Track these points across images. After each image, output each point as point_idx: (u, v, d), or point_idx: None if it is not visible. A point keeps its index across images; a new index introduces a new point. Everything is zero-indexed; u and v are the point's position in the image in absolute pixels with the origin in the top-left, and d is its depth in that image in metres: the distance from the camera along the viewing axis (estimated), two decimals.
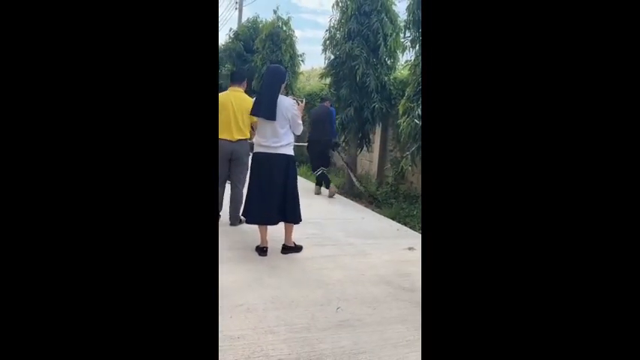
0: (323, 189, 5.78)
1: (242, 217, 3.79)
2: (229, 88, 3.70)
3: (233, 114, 3.55)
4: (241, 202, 3.72)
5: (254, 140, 3.08)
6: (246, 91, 3.81)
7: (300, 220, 3.14)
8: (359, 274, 2.87)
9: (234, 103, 3.56)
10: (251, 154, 3.24)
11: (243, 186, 3.69)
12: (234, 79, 3.73)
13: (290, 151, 3.03)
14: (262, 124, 2.98)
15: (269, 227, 3.14)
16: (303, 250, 3.25)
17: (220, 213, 3.82)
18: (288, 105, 2.96)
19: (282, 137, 2.96)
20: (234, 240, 3.41)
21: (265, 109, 2.90)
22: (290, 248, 3.17)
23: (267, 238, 3.12)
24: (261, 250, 3.10)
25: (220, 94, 3.66)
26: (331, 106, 5.79)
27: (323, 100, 5.89)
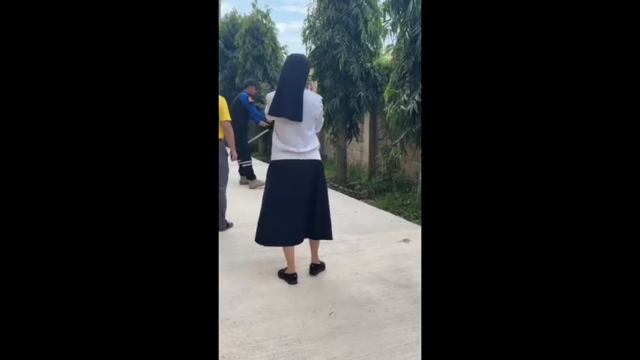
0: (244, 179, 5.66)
1: (228, 221, 3.67)
2: None
3: None
4: (225, 204, 3.60)
5: (274, 146, 2.51)
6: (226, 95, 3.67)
7: (330, 237, 2.63)
8: (353, 274, 2.74)
9: None
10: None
11: (224, 188, 3.56)
12: None
13: (319, 156, 2.51)
14: (284, 125, 2.40)
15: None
16: (297, 250, 3.11)
17: None
18: (315, 101, 2.42)
19: (309, 140, 2.42)
20: (221, 247, 3.26)
21: (290, 109, 2.32)
22: (318, 267, 2.70)
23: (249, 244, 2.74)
24: (291, 278, 2.54)
25: None
26: (256, 88, 5.62)
27: (245, 86, 5.66)
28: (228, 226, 3.67)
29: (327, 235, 2.63)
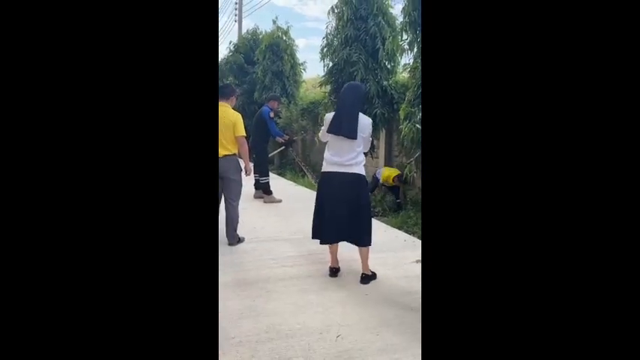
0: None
1: (240, 236, 3.66)
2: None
3: None
4: (237, 219, 3.60)
5: (325, 159, 2.89)
6: (235, 107, 3.69)
7: (370, 243, 2.93)
8: (362, 295, 2.69)
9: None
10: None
11: (237, 203, 3.56)
12: (221, 95, 3.58)
13: (363, 171, 2.90)
14: (337, 142, 2.82)
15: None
16: (304, 270, 3.09)
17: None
18: (367, 123, 2.87)
19: (357, 156, 2.83)
20: (231, 262, 3.26)
21: (347, 128, 2.76)
22: (369, 277, 2.92)
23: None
24: (330, 270, 3.00)
25: None
26: (278, 104, 5.69)
27: (267, 100, 5.67)
28: (240, 240, 3.66)
29: (364, 242, 2.92)
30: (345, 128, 2.76)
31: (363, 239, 2.89)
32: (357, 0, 5.55)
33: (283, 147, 6.47)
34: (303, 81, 9.84)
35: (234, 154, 3.51)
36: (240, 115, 3.53)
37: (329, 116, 2.90)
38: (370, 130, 2.89)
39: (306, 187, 6.81)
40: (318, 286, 2.81)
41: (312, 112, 8.17)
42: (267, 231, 4.13)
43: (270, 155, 6.64)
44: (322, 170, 2.94)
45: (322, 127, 2.97)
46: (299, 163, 7.15)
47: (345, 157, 2.81)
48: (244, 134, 3.50)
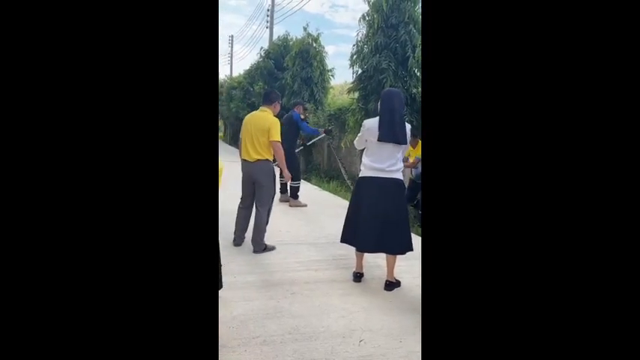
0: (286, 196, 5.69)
1: (268, 245, 3.61)
2: (260, 108, 3.64)
3: (249, 134, 3.47)
4: (264, 227, 3.58)
5: (364, 164, 2.87)
6: (277, 115, 3.68)
7: (404, 252, 2.86)
8: (386, 302, 2.69)
9: (253, 122, 3.50)
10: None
11: (265, 209, 3.55)
12: (265, 100, 3.66)
13: (401, 176, 2.90)
14: (378, 148, 2.79)
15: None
16: (328, 274, 3.11)
17: (245, 236, 3.74)
18: (408, 129, 2.88)
19: (397, 162, 2.84)
20: (257, 263, 3.32)
21: (399, 134, 2.76)
22: (393, 284, 2.90)
23: (294, 261, 2.98)
24: (355, 276, 3.00)
25: (248, 115, 3.64)
26: (305, 109, 5.79)
27: (293, 105, 5.82)
28: (267, 249, 3.55)
29: (405, 249, 2.85)
30: (397, 134, 2.75)
31: (397, 248, 2.83)
32: (388, 8, 5.57)
33: (323, 135, 6.51)
34: (331, 87, 9.92)
35: (268, 160, 3.49)
36: (277, 121, 3.50)
37: (369, 123, 2.85)
38: (409, 137, 2.89)
39: (331, 192, 6.84)
40: (342, 290, 2.83)
41: (339, 119, 8.21)
42: (292, 234, 4.17)
43: (308, 144, 6.73)
44: (361, 175, 2.91)
45: (360, 134, 2.94)
46: (340, 167, 7.15)
47: (386, 162, 2.80)
48: (279, 139, 3.47)
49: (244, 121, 3.59)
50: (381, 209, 2.78)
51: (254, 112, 3.69)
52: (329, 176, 8.25)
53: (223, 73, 37.02)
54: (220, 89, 14.71)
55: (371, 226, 2.79)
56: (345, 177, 6.94)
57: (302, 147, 6.66)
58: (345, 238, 3.01)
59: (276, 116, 3.62)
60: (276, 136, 3.44)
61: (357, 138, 3.01)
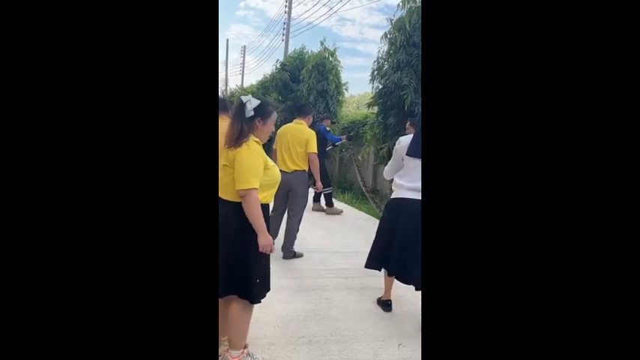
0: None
1: (296, 251, 3.75)
2: (294, 121, 3.83)
3: (287, 145, 3.64)
4: (295, 235, 3.72)
5: (397, 185, 2.62)
6: (276, 124, 3.84)
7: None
8: (419, 310, 2.80)
9: (290, 134, 3.67)
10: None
11: (298, 217, 3.70)
12: (299, 113, 3.87)
13: None
14: (411, 165, 2.53)
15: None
16: (357, 282, 3.23)
17: (274, 241, 3.86)
18: None
19: None
20: (287, 268, 3.44)
21: None
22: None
23: (322, 269, 3.00)
24: (385, 304, 2.76)
25: (283, 126, 3.81)
26: (332, 122, 6.20)
27: (321, 119, 6.18)
28: (295, 255, 3.70)
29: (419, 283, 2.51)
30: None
31: (411, 276, 2.51)
32: (411, 27, 5.77)
33: (344, 140, 6.73)
34: (344, 100, 10.12)
35: (304, 170, 3.67)
36: (314, 133, 3.71)
37: (405, 140, 2.59)
38: None
39: (346, 203, 6.96)
40: (374, 297, 2.94)
41: (351, 131, 8.39)
42: (316, 242, 4.29)
43: (327, 148, 6.94)
44: (394, 196, 2.65)
45: (393, 155, 2.67)
46: (359, 178, 7.28)
47: (420, 181, 2.48)
48: (316, 151, 3.67)
49: (279, 133, 3.75)
50: (418, 233, 2.36)
51: (288, 124, 3.86)
52: (342, 188, 8.37)
53: (234, 82, 37.42)
54: (232, 98, 14.93)
55: (408, 251, 2.49)
56: (364, 189, 7.06)
57: (344, 139, 6.88)
58: (375, 264, 2.72)
59: (279, 126, 3.74)
60: (314, 148, 3.63)
61: (389, 162, 2.73)
